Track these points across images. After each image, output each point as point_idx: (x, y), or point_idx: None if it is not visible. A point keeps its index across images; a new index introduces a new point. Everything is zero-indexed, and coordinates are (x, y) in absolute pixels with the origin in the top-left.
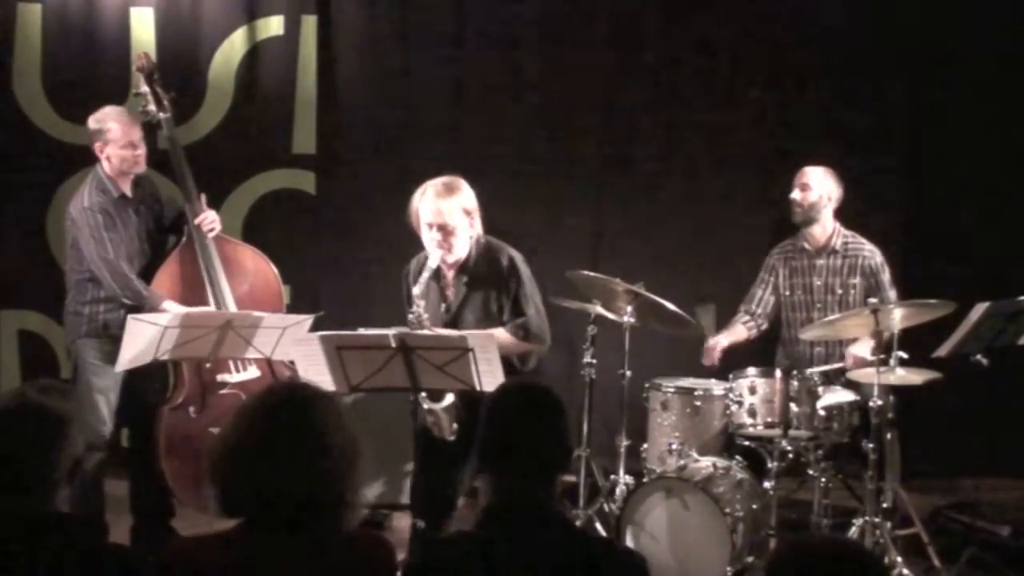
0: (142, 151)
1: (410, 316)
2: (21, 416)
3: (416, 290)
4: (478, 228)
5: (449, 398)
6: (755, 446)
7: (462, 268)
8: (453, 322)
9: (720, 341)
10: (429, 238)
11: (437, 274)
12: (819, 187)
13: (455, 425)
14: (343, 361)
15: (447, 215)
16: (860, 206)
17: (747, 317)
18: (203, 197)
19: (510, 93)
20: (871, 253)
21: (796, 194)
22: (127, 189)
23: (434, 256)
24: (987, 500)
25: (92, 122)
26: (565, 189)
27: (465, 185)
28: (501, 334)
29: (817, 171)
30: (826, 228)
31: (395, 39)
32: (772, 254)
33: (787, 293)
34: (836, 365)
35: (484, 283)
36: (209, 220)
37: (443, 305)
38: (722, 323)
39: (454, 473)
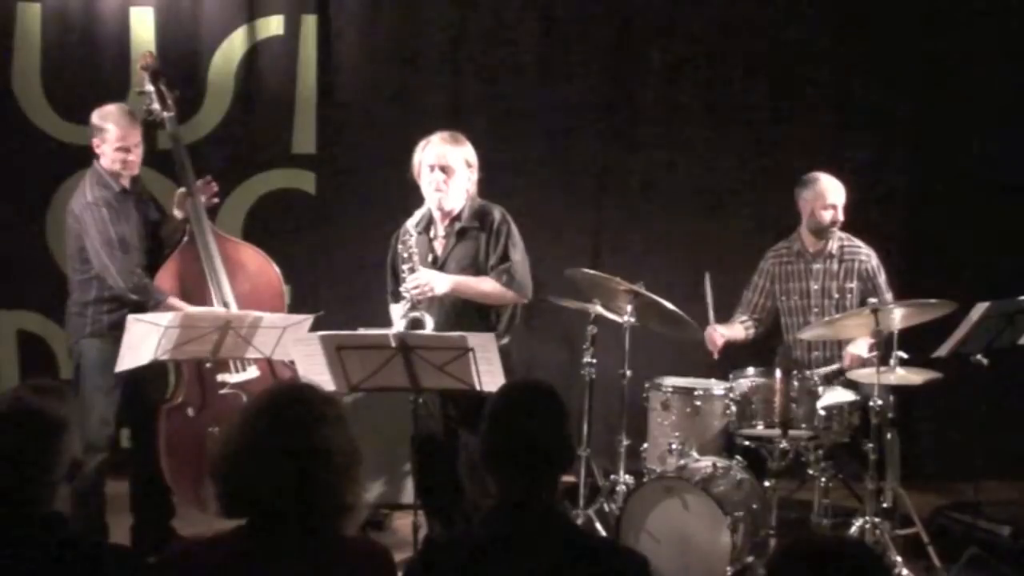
0: (135, 156)
1: (399, 246)
2: (17, 419)
3: (409, 222)
4: (474, 183)
5: (429, 323)
6: (755, 446)
7: (453, 222)
8: (438, 271)
9: (720, 331)
10: (429, 180)
11: (428, 226)
12: (843, 200)
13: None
14: (343, 361)
15: (450, 157)
16: (860, 206)
17: (744, 318)
18: (212, 184)
19: (510, 92)
20: (867, 256)
21: (828, 215)
22: (126, 183)
23: (431, 199)
24: (987, 500)
25: (95, 117)
26: (565, 189)
27: (469, 143)
28: (486, 280)
29: (841, 188)
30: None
31: (395, 39)
32: (767, 258)
33: (783, 298)
34: (835, 367)
35: (473, 234)
36: (210, 191)
37: (431, 256)
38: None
39: (455, 471)
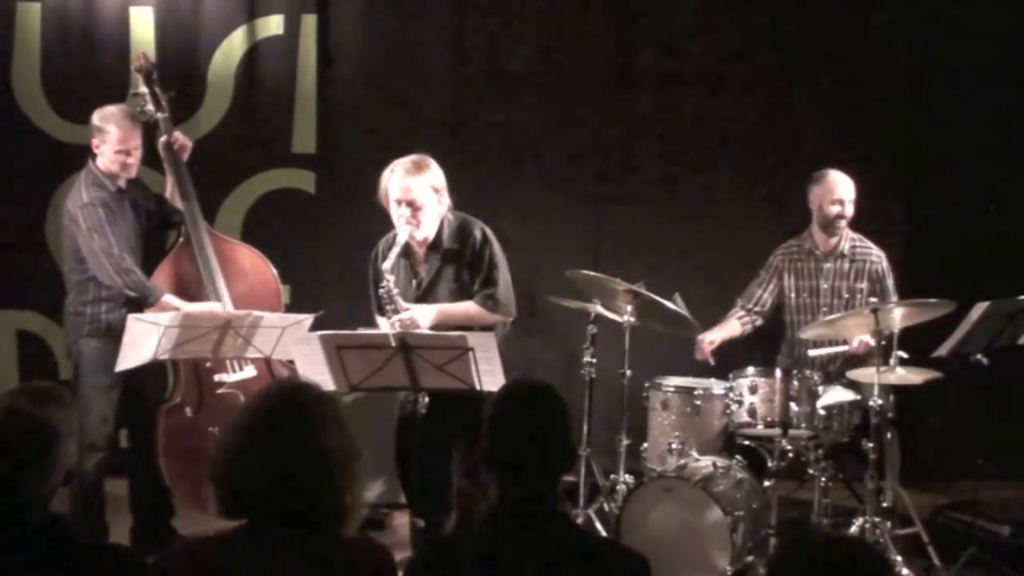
0: (134, 160)
1: (380, 291)
2: (13, 430)
3: (386, 264)
4: (446, 205)
5: None
6: (755, 446)
7: (433, 245)
8: (424, 297)
9: (713, 339)
10: (398, 214)
11: (407, 251)
12: (852, 196)
13: (426, 399)
14: (343, 360)
15: (415, 192)
16: (860, 206)
17: (742, 312)
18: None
19: (510, 93)
20: (878, 258)
21: (838, 208)
22: (122, 184)
23: (403, 232)
24: (987, 500)
25: (96, 118)
26: (565, 189)
27: (434, 163)
28: (471, 306)
29: (850, 183)
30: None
31: (394, 39)
32: (776, 254)
33: (792, 295)
34: (839, 348)
35: (456, 258)
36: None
37: (414, 281)
38: (711, 315)
39: (442, 469)
